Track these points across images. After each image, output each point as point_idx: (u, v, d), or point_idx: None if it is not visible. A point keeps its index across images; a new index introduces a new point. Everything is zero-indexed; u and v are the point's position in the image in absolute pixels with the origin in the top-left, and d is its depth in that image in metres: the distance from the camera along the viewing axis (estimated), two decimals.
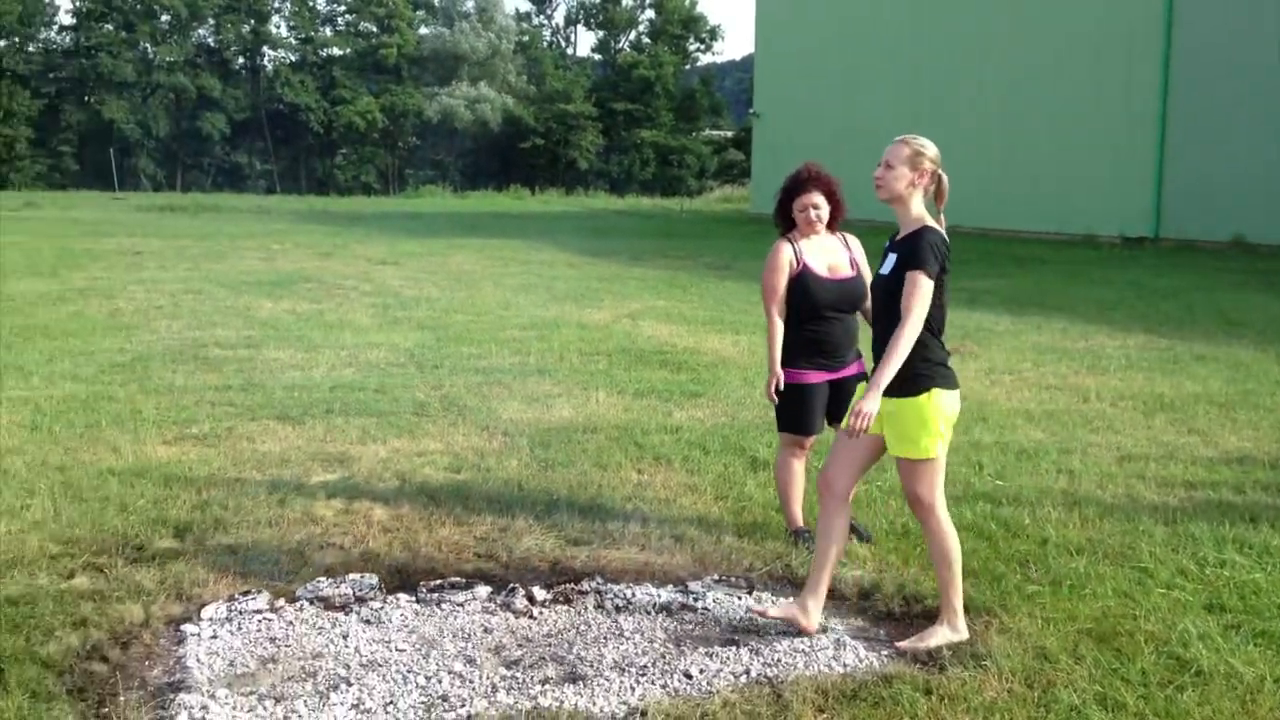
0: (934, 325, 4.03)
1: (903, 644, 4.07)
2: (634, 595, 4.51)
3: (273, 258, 19.77)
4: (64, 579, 4.59)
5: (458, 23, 68.30)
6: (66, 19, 64.69)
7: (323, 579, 4.62)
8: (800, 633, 4.16)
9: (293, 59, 67.44)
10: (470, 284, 16.11)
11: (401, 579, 4.74)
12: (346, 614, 4.32)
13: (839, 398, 5.22)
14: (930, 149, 4.07)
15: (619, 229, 30.38)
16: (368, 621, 4.26)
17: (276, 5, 67.84)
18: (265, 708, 3.55)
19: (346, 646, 4.03)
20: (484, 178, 62.49)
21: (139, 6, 62.05)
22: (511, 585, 4.57)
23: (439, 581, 4.62)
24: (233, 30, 65.00)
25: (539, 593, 4.50)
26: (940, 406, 4.03)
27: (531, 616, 4.32)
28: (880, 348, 4.06)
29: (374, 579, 4.62)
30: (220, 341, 10.65)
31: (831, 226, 5.26)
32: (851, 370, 5.26)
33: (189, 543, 5.09)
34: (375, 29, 67.38)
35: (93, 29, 61.09)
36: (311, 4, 68.36)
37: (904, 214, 4.09)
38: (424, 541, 5.17)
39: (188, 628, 4.16)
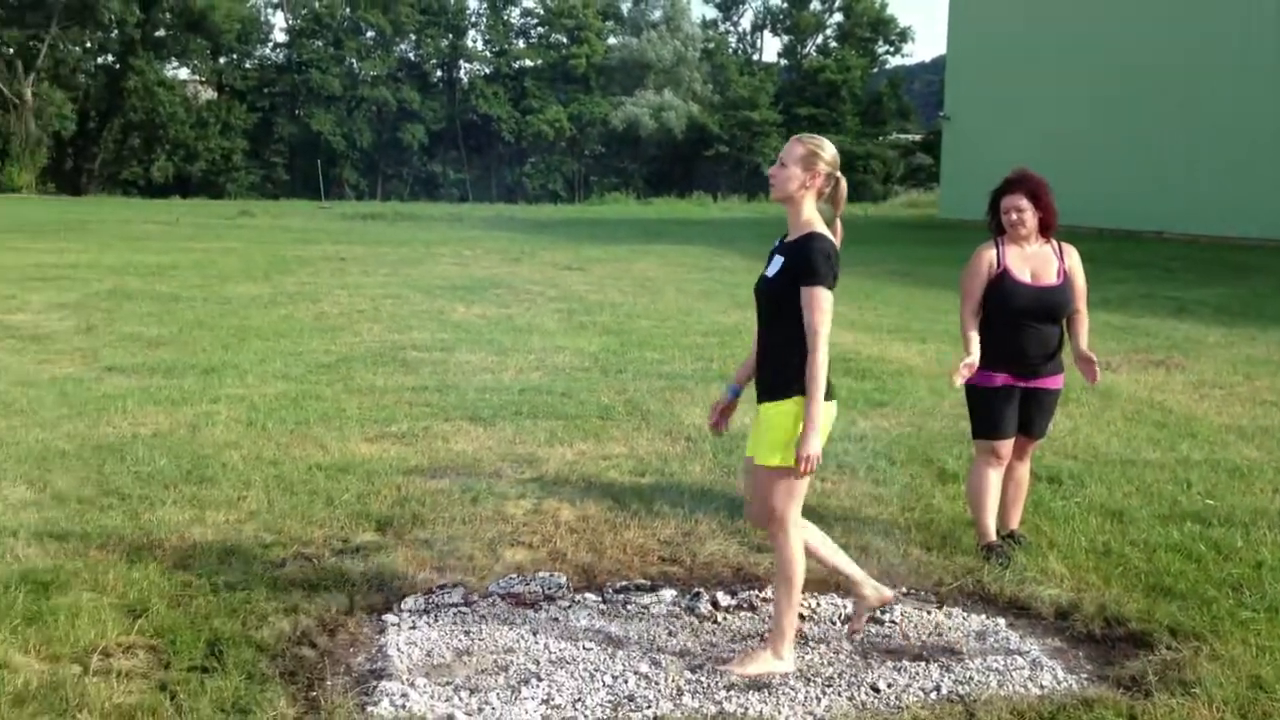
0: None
1: (726, 666, 3.93)
2: (818, 605, 4.48)
3: (465, 263, 20.45)
4: (276, 567, 4.87)
5: (645, 32, 69.20)
6: (280, 37, 68.58)
7: (513, 575, 4.76)
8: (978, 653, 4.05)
9: (487, 71, 69.71)
10: (653, 290, 16.27)
11: (588, 579, 4.84)
12: (536, 611, 4.44)
13: (1030, 408, 5.06)
14: (827, 151, 3.93)
15: None
16: (556, 619, 4.36)
17: (473, 20, 70.30)
18: (460, 698, 3.69)
19: (536, 642, 4.14)
20: (667, 185, 63.07)
21: (346, 24, 65.35)
22: (696, 590, 4.60)
23: (625, 583, 4.70)
24: (432, 45, 67.69)
25: (723, 598, 4.52)
26: (799, 419, 3.85)
27: (716, 622, 4.34)
28: (763, 356, 3.98)
29: (562, 578, 4.73)
30: (417, 344, 11.08)
31: (1045, 233, 5.11)
32: (1048, 382, 5.08)
33: (389, 536, 5.32)
34: (565, 40, 68.98)
35: (304, 46, 64.67)
36: (506, 17, 70.49)
37: (794, 216, 3.96)
38: (609, 543, 5.25)
39: (388, 617, 4.36)
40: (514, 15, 71.27)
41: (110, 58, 61.43)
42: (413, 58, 68.82)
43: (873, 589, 4.17)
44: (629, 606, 4.47)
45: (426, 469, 6.48)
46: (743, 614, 4.42)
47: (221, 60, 64.96)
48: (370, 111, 65.83)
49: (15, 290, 14.48)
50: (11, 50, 55.40)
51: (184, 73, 65.87)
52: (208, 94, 66.01)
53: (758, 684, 3.80)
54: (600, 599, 4.56)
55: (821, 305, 3.79)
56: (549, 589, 4.62)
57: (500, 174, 67.55)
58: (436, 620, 4.33)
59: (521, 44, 71.36)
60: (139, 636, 4.08)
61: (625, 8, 72.35)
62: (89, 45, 60.23)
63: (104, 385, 8.72)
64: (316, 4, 66.15)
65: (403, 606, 4.44)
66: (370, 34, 65.82)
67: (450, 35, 68.46)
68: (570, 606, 4.47)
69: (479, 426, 7.60)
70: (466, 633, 4.23)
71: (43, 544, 5.02)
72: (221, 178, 62.46)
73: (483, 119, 66.87)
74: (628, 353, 10.67)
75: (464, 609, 4.43)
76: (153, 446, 6.78)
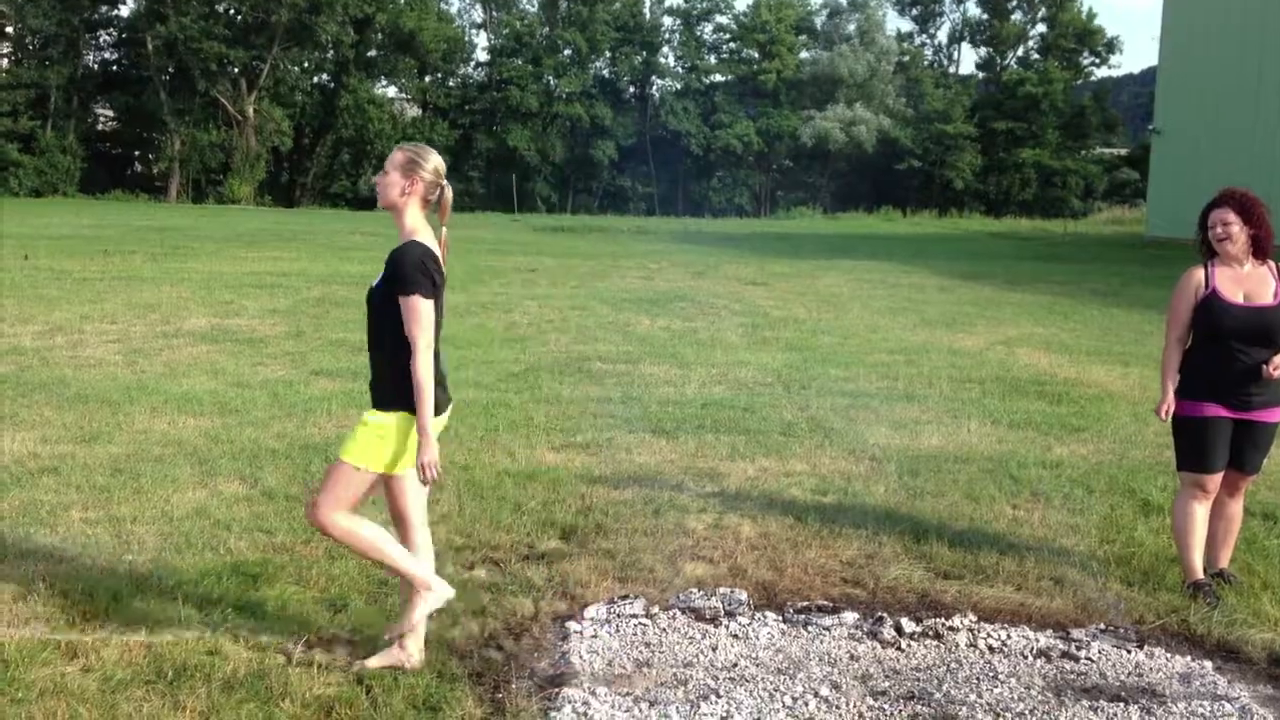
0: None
1: (359, 662, 3.92)
2: (1009, 637, 4.31)
3: (650, 276, 20.67)
4: (466, 570, 5.03)
5: (838, 46, 68.52)
6: (482, 56, 71.07)
7: (694, 590, 4.77)
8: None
9: (678, 87, 70.44)
10: (838, 306, 16.06)
11: (768, 596, 4.80)
12: (716, 626, 4.43)
13: (1243, 441, 4.75)
14: (430, 160, 3.91)
15: (994, 252, 29.20)
16: (736, 636, 4.34)
17: (667, 36, 71.15)
18: (640, 710, 3.72)
19: (716, 658, 4.13)
20: (855, 200, 62.21)
21: (545, 43, 67.22)
22: (879, 614, 4.50)
23: (806, 603, 4.64)
24: (626, 62, 68.89)
25: (907, 624, 4.41)
26: (402, 429, 3.83)
27: (899, 648, 4.24)
28: (373, 366, 3.97)
29: (743, 594, 4.71)
30: (602, 356, 11.26)
31: (1260, 255, 4.80)
32: (1264, 415, 4.76)
33: (573, 544, 5.42)
34: (756, 55, 69.00)
35: (504, 64, 66.85)
36: (699, 34, 71.04)
37: (399, 223, 3.93)
38: (790, 562, 5.20)
39: (571, 625, 4.43)
40: (706, 31, 71.75)
41: (325, 77, 64.98)
42: (607, 75, 70.14)
43: (412, 647, 4.00)
44: (810, 627, 4.41)
45: (610, 479, 6.57)
46: (928, 642, 4.30)
47: (427, 79, 67.78)
48: (564, 127, 67.41)
49: (234, 296, 15.45)
50: (237, 70, 59.30)
51: (392, 91, 69.12)
52: (413, 111, 68.98)
53: (944, 714, 3.68)
54: (780, 618, 4.52)
55: (417, 313, 3.77)
56: (729, 605, 4.60)
57: (687, 188, 68.01)
58: (618, 630, 4.37)
59: (713, 59, 71.74)
60: (339, 631, 4.28)
61: (819, 22, 71.80)
62: (306, 65, 63.87)
63: (311, 388, 9.20)
64: (518, 24, 68.26)
65: (585, 615, 4.51)
66: (567, 52, 67.44)
67: (644, 52, 69.46)
68: (750, 624, 4.45)
69: (662, 439, 7.66)
70: (647, 644, 4.26)
71: (253, 538, 5.33)
72: None
73: (672, 134, 67.53)
74: (811, 369, 10.56)
75: (645, 620, 4.47)
76: None
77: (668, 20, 71.49)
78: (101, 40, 62.50)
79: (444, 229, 4.03)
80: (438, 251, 3.91)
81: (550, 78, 66.92)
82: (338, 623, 4.35)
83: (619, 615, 4.50)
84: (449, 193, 4.00)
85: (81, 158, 56.32)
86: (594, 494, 6.24)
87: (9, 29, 60.97)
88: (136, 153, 64.35)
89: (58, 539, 5.23)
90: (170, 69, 58.63)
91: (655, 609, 4.59)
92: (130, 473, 6.36)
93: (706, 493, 6.33)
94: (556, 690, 3.83)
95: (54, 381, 9.04)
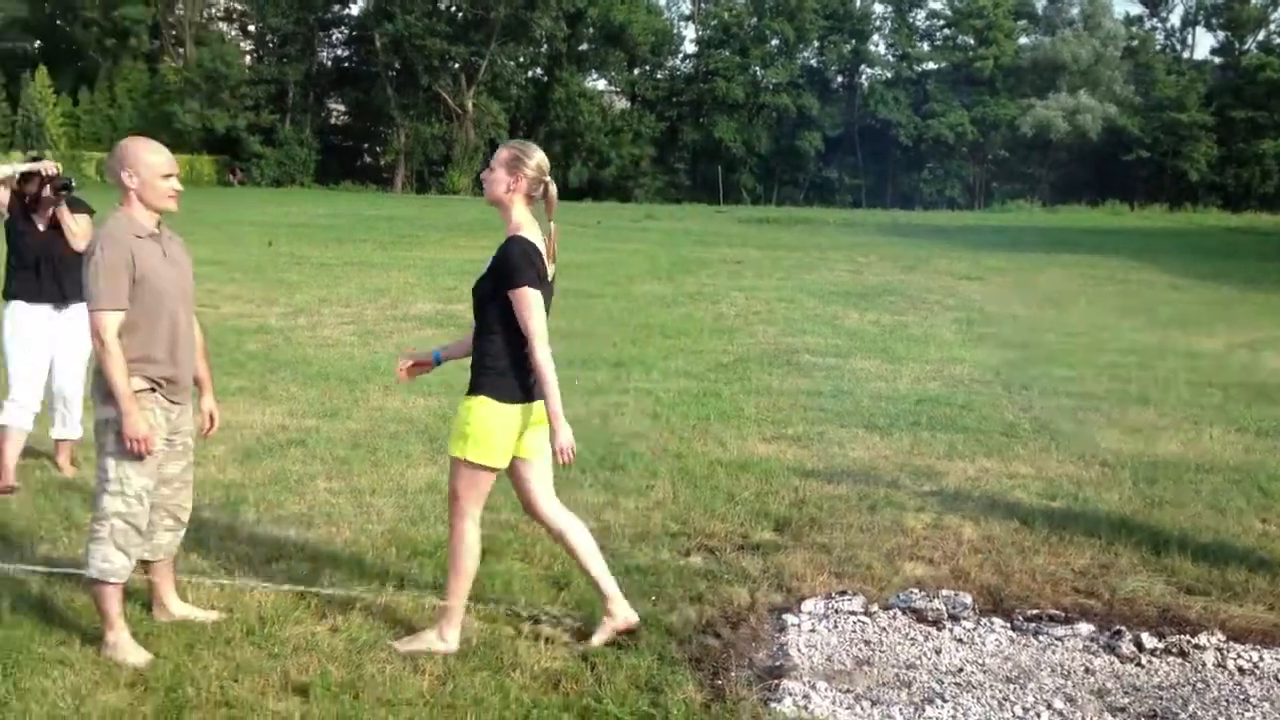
0: (519, 334, 3.88)
1: (397, 644, 3.99)
2: (1262, 659, 4.03)
3: (859, 270, 20.34)
4: (682, 556, 5.08)
5: (1060, 30, 65.50)
6: (690, 48, 71.48)
7: (914, 590, 4.66)
8: None
9: (888, 75, 68.96)
10: (1060, 303, 15.39)
11: (994, 602, 4.65)
12: (939, 629, 4.32)
13: None
14: (533, 156, 3.99)
15: (1232, 249, 27.35)
16: (960, 640, 4.23)
17: (877, 24, 69.76)
18: (862, 708, 3.66)
19: (940, 662, 4.03)
20: (1077, 192, 59.39)
21: (753, 33, 67.03)
22: (1117, 628, 4.29)
23: (1035, 611, 4.47)
24: (834, 51, 67.90)
25: (1148, 640, 4.17)
26: (484, 415, 3.91)
27: (1139, 664, 4.03)
28: (476, 356, 4.01)
29: (967, 598, 4.57)
30: (810, 348, 11.15)
31: None
32: None
33: (787, 537, 5.39)
34: (972, 41, 66.76)
35: (712, 55, 67.06)
36: (911, 20, 69.34)
37: (505, 219, 4.01)
38: (1017, 567, 5.02)
39: (788, 618, 4.41)
40: (919, 18, 69.94)
41: (539, 71, 66.80)
42: (814, 64, 69.33)
43: (623, 608, 4.12)
44: (1040, 636, 4.24)
45: (823, 473, 6.50)
46: (1171, 660, 4.06)
47: (635, 72, 68.72)
48: (770, 118, 67.04)
49: (455, 282, 16.08)
50: (457, 65, 61.70)
51: (601, 84, 70.45)
52: (621, 104, 70.10)
53: None
54: (1008, 625, 4.37)
55: (528, 302, 3.84)
56: (953, 608, 4.48)
57: (896, 180, 66.52)
58: (836, 626, 4.33)
59: (925, 47, 69.85)
60: (563, 608, 4.39)
61: (1040, 6, 68.82)
62: (521, 60, 65.80)
63: None
64: (725, 14, 68.30)
65: (803, 608, 4.48)
66: (775, 42, 67.03)
67: (853, 41, 68.30)
68: (976, 628, 4.32)
69: (875, 434, 7.53)
70: (866, 642, 4.20)
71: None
72: (629, 182, 66.07)
73: (881, 124, 66.15)
74: (1032, 368, 10.17)
75: (864, 618, 4.40)
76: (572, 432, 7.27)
77: (879, 7, 70.01)
78: (334, 38, 66.20)
79: (552, 224, 4.07)
80: (543, 246, 3.96)
81: (757, 68, 66.64)
82: (561, 600, 4.47)
83: (837, 611, 4.45)
84: (553, 189, 4.05)
85: (316, 150, 59.85)
86: (807, 487, 6.19)
87: (251, 27, 65.37)
88: (365, 145, 67.87)
89: (305, 506, 5.58)
90: (396, 65, 61.53)
91: (874, 607, 4.52)
92: (368, 447, 6.72)
93: (924, 491, 6.19)
94: (776, 681, 3.82)
95: (298, 360, 9.65)
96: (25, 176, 5.88)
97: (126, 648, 3.84)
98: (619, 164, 65.58)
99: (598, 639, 4.07)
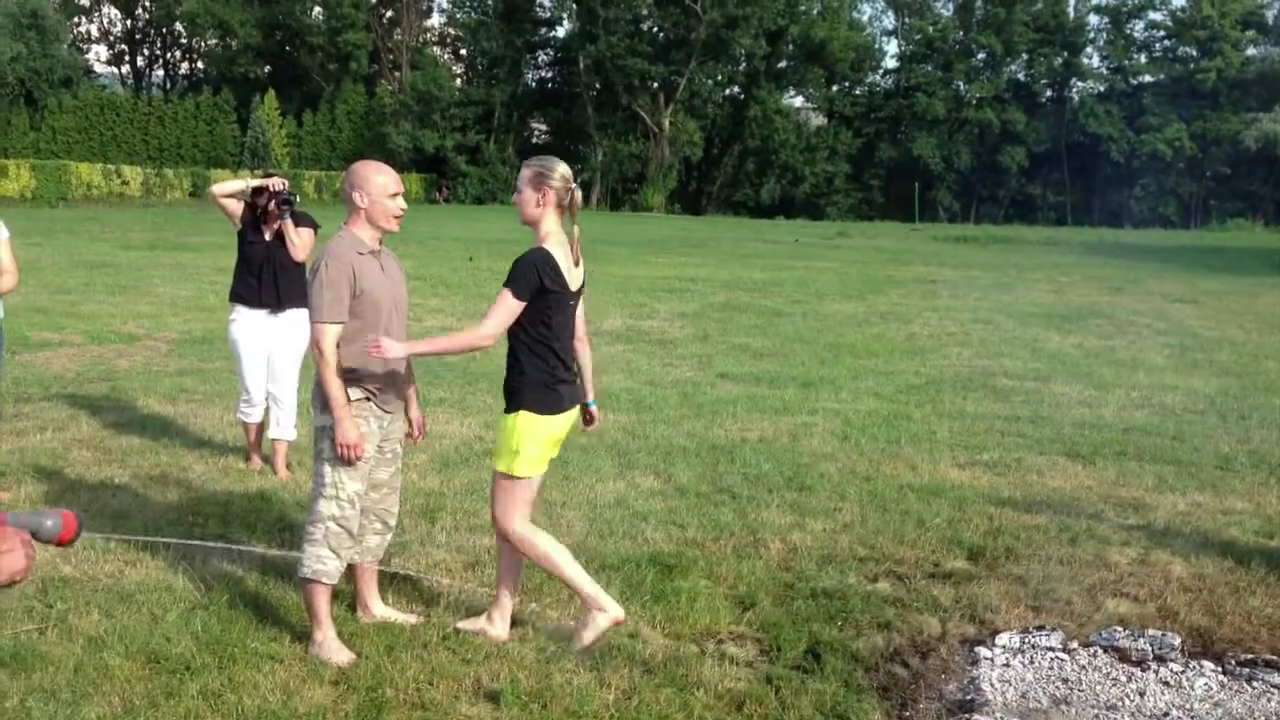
0: (543, 344, 4.05)
1: (578, 645, 4.08)
2: None
3: (1061, 290, 19.56)
4: (869, 581, 4.99)
5: None
6: (891, 63, 70.45)
7: (1117, 628, 4.45)
8: None
9: (1100, 89, 66.12)
10: None
11: (1204, 644, 4.39)
12: (1143, 670, 4.11)
13: None
14: (557, 168, 4.09)
15: None
16: (1166, 683, 4.01)
17: (1091, 36, 66.96)
18: None
19: (1144, 705, 3.83)
20: None
21: (958, 47, 65.49)
22: None
23: (1250, 656, 4.20)
24: (1043, 64, 65.55)
25: None
26: (530, 430, 4.05)
27: None
28: (511, 373, 4.13)
29: (1175, 639, 4.33)
30: (1008, 371, 10.79)
31: None
32: None
33: (981, 566, 5.23)
34: (1194, 52, 63.30)
35: (913, 70, 65.91)
36: (1128, 31, 66.28)
37: (536, 234, 4.12)
38: (1230, 608, 4.72)
39: (981, 650, 4.28)
40: (1137, 29, 66.78)
41: (736, 89, 67.12)
42: (1022, 78, 67.11)
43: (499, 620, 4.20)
44: (1255, 683, 3.98)
45: (1020, 502, 6.28)
46: None
47: (834, 88, 68.17)
48: (972, 134, 65.29)
49: (646, 299, 16.33)
50: (656, 85, 62.68)
51: (798, 101, 70.20)
52: (817, 120, 69.65)
53: None
54: (1219, 669, 4.11)
55: (502, 304, 3.99)
56: (1159, 648, 4.25)
57: (1104, 196, 63.59)
58: (1032, 662, 4.17)
59: (1142, 59, 66.64)
60: (747, 628, 4.40)
61: (1270, 16, 64.61)
62: (719, 78, 66.28)
63: (717, 390, 9.53)
64: (930, 29, 66.97)
65: (997, 641, 4.33)
66: (981, 56, 65.30)
67: (1065, 53, 65.76)
68: (1184, 671, 4.08)
69: (1077, 463, 7.22)
70: (1064, 680, 4.03)
71: (667, 530, 5.60)
72: (822, 200, 65.53)
73: (1090, 139, 63.43)
74: (1250, 397, 9.56)
75: (1062, 655, 4.22)
76: (758, 451, 7.28)
77: (1094, 19, 67.20)
78: (539, 59, 68.39)
79: (575, 228, 4.19)
80: (563, 258, 4.07)
81: (960, 82, 65.06)
82: (747, 620, 4.47)
83: (1033, 646, 4.28)
84: (579, 195, 4.16)
85: (516, 168, 61.64)
86: (1002, 516, 5.99)
87: (463, 51, 68.18)
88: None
89: None
90: (597, 85, 62.99)
91: (1073, 644, 4.33)
92: (560, 460, 6.86)
93: (1129, 525, 5.89)
94: (967, 716, 3.72)
95: (494, 372, 9.90)
96: (256, 191, 6.37)
97: (332, 647, 4.04)
98: (812, 181, 65.15)
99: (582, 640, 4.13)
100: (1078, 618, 4.62)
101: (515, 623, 4.32)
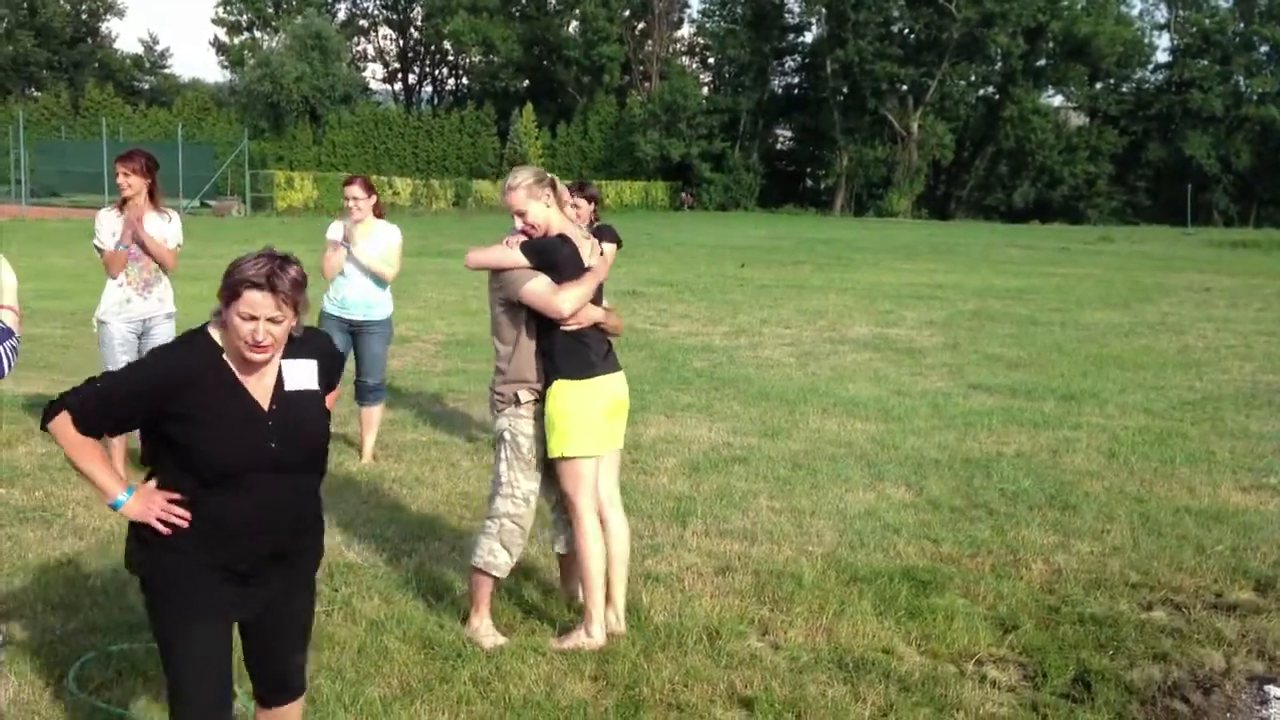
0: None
1: (554, 643, 4.17)
2: None
3: None
4: (1143, 609, 4.70)
5: None
6: (1162, 58, 66.11)
7: None
8: None
9: None
10: None
11: None
12: None
13: None
14: (523, 175, 4.26)
15: None
16: None
17: None
18: None
19: None
20: None
21: (1237, 39, 60.85)
22: None
23: None
24: None
25: None
26: (564, 397, 4.12)
27: None
28: (538, 356, 4.20)
29: None
30: None
31: None
32: None
33: (1270, 599, 4.83)
34: None
35: (1187, 65, 61.61)
36: None
37: (549, 231, 4.23)
38: None
39: (1271, 689, 3.96)
40: None
41: (991, 89, 64.78)
42: None
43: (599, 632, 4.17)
44: None
45: None
46: None
47: (1097, 85, 64.72)
48: (1253, 132, 60.44)
49: (893, 306, 15.99)
50: (905, 88, 61.34)
51: (1057, 100, 67.01)
52: (1078, 120, 66.24)
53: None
54: None
55: (573, 283, 4.13)
56: None
57: None
58: None
59: None
60: (1009, 651, 4.23)
61: None
62: (973, 79, 64.14)
63: (969, 401, 9.21)
64: (1206, 21, 62.52)
65: None
66: (1264, 49, 60.42)
67: None
68: None
69: None
70: None
71: (920, 545, 5.45)
72: (1082, 203, 62.27)
73: None
74: None
75: None
76: (1016, 466, 6.99)
77: None
78: (786, 66, 68.27)
79: (564, 210, 4.38)
80: (580, 241, 4.27)
81: (1240, 77, 60.36)
82: (1008, 643, 4.30)
83: None
84: (560, 183, 4.33)
85: (761, 174, 61.97)
86: None
87: (710, 60, 68.95)
88: (808, 169, 69.27)
89: (748, 522, 5.79)
90: (844, 90, 62.26)
91: None
92: (808, 469, 6.85)
93: None
94: None
95: (739, 379, 10.03)
96: None
97: (486, 632, 4.26)
98: (1071, 183, 62.05)
99: (567, 643, 4.17)
100: None
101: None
